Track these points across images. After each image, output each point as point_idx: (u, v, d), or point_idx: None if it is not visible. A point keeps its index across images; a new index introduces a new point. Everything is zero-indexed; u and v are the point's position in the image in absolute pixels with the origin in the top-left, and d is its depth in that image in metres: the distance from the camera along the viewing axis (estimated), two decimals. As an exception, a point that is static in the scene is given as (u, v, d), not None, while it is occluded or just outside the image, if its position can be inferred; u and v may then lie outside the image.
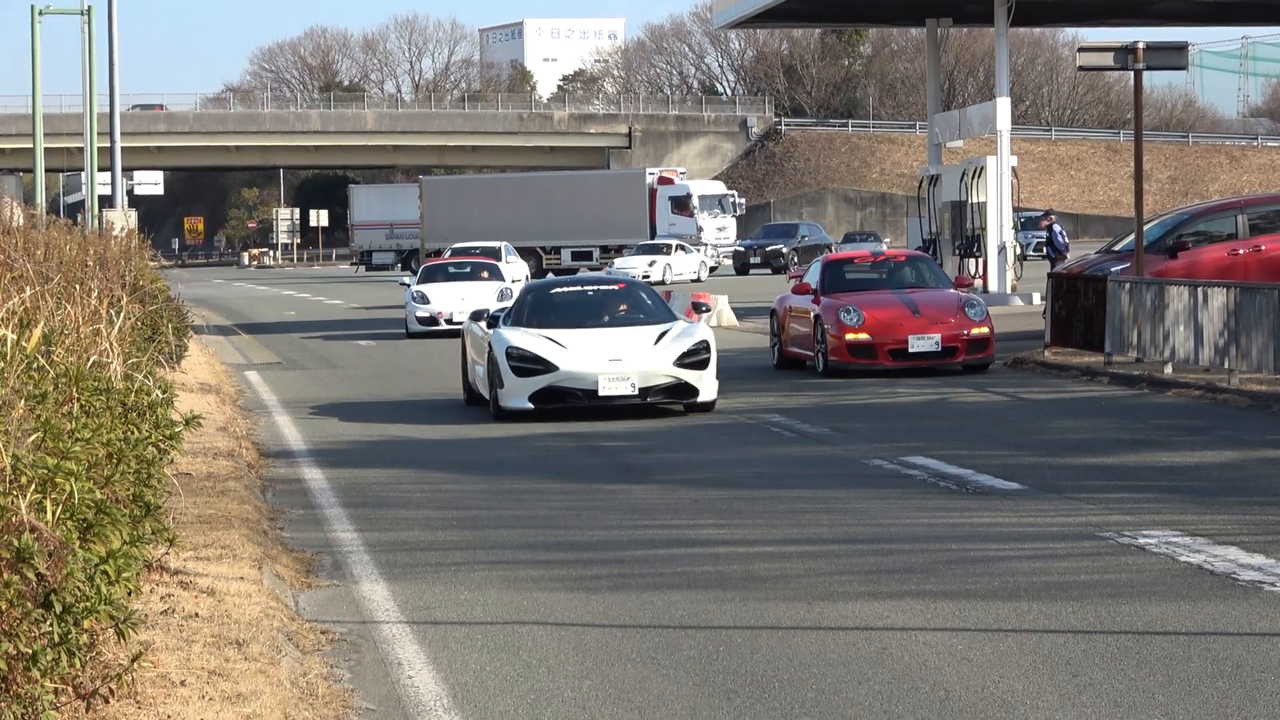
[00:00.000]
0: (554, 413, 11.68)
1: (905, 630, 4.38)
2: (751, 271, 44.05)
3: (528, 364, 11.67)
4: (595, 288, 14.50)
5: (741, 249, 44.58)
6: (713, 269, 43.47)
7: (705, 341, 12.10)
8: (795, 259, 34.85)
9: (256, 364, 19.84)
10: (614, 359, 11.72)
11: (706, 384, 11.93)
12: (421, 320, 23.21)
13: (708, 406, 11.96)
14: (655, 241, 40.95)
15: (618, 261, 36.61)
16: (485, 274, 25.23)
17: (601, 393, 11.58)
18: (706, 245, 44.20)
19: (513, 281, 24.73)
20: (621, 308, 13.11)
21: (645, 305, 13.10)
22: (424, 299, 23.41)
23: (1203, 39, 68.71)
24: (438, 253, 35.26)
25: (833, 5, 31.86)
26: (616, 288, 14.32)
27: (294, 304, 38.44)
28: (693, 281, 37.89)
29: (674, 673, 3.80)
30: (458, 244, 33.09)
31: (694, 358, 11.86)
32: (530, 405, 11.64)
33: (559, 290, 14.45)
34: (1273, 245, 16.56)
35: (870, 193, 69.98)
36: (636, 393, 11.60)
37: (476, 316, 13.60)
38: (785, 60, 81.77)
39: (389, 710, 3.45)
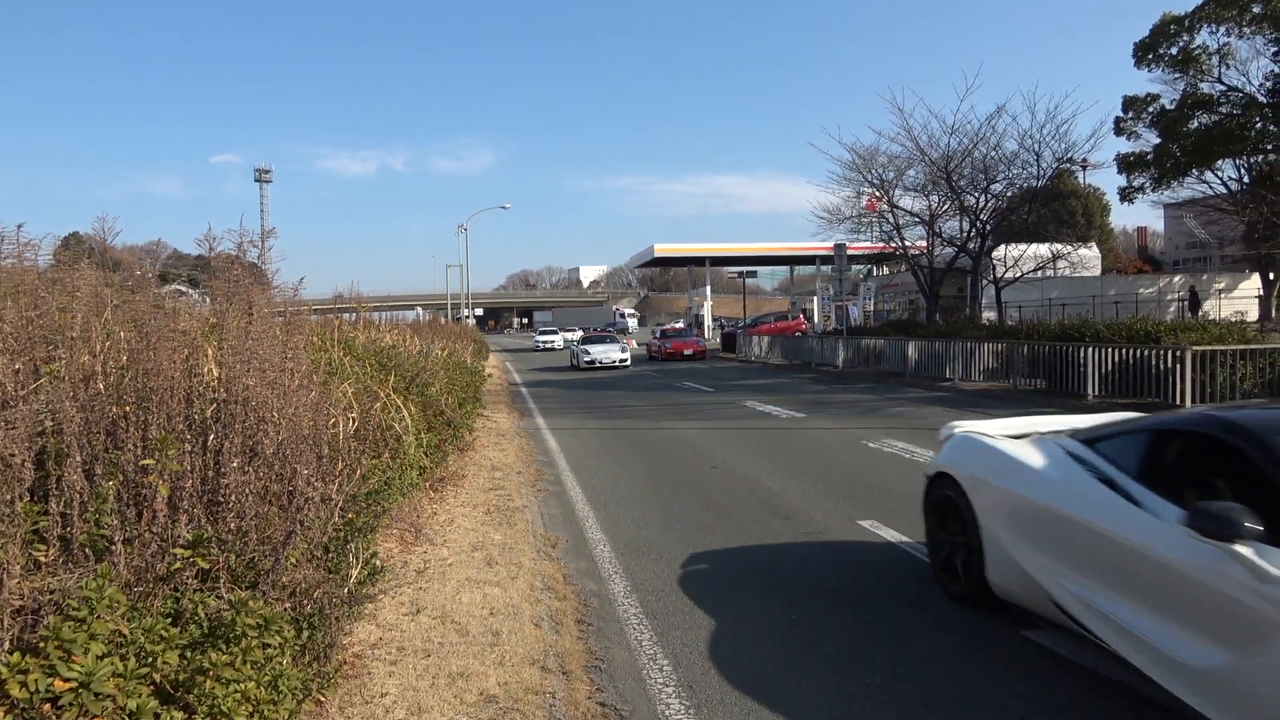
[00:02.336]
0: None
1: (686, 430, 14.15)
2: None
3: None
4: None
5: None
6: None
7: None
8: (658, 331, 53.82)
9: (507, 359, 40.11)
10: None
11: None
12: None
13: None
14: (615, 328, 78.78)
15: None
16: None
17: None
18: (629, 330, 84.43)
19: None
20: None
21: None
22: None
23: None
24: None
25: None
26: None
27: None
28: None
29: (623, 442, 13.48)
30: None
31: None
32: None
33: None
34: (782, 325, 47.02)
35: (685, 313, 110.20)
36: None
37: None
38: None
39: (545, 447, 13.12)
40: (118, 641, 2.82)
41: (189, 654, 3.03)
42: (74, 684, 2.56)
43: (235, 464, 3.72)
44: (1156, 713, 3.89)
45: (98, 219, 5.29)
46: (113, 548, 3.22)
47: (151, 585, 3.28)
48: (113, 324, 4.74)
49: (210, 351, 4.47)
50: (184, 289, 13.16)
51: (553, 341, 57.15)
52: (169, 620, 3.15)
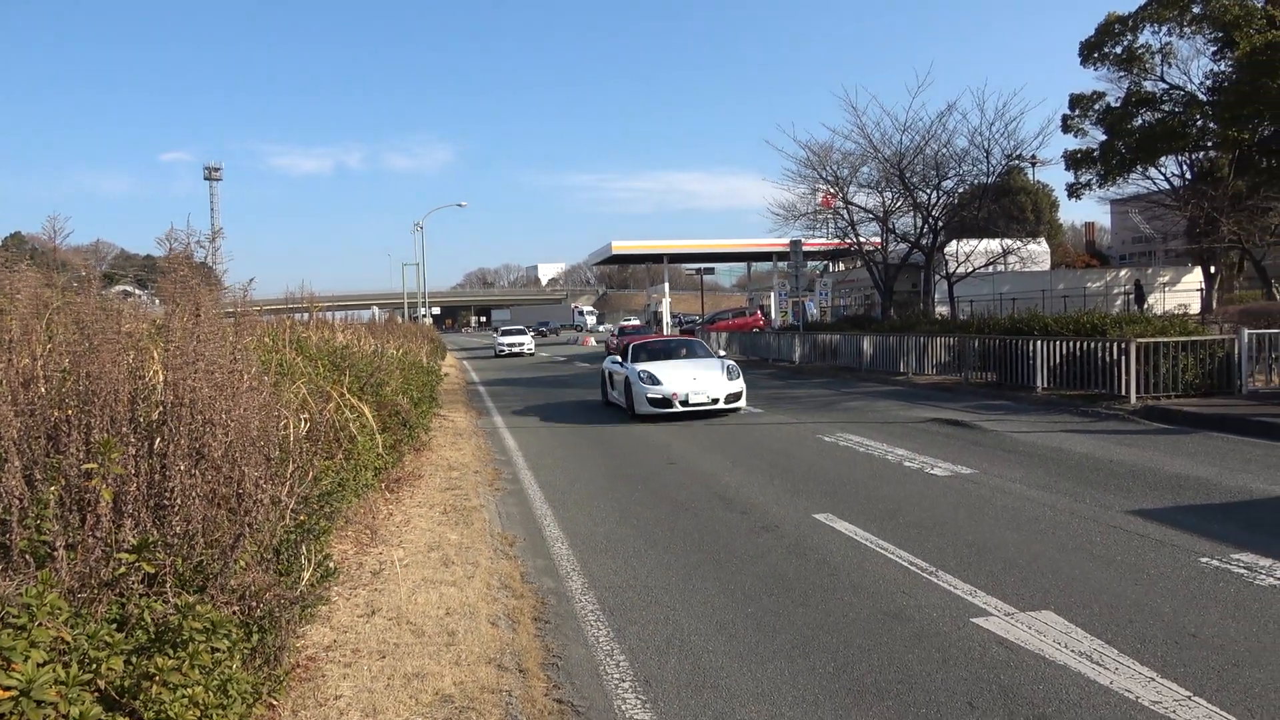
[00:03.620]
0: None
1: (643, 427, 14.16)
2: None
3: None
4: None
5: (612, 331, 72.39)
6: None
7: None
8: (617, 329, 54.81)
9: (463, 358, 38.00)
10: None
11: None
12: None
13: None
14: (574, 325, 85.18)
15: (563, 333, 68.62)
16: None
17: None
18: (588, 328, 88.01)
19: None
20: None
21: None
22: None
23: None
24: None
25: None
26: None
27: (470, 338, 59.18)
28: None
29: (581, 440, 13.47)
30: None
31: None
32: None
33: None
34: (740, 321, 48.22)
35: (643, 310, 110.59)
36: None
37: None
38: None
39: (503, 446, 13.07)
40: (60, 649, 2.77)
41: (135, 659, 2.99)
42: (14, 692, 2.51)
43: (182, 467, 3.67)
44: (1097, 692, 4.01)
45: (49, 219, 5.18)
46: (55, 554, 3.16)
47: (96, 591, 3.23)
48: (55, 326, 4.65)
49: (157, 354, 4.40)
50: (131, 290, 12.89)
51: (522, 344, 42.90)
52: (114, 626, 3.10)
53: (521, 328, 50.44)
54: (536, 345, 49.94)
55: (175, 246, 4.78)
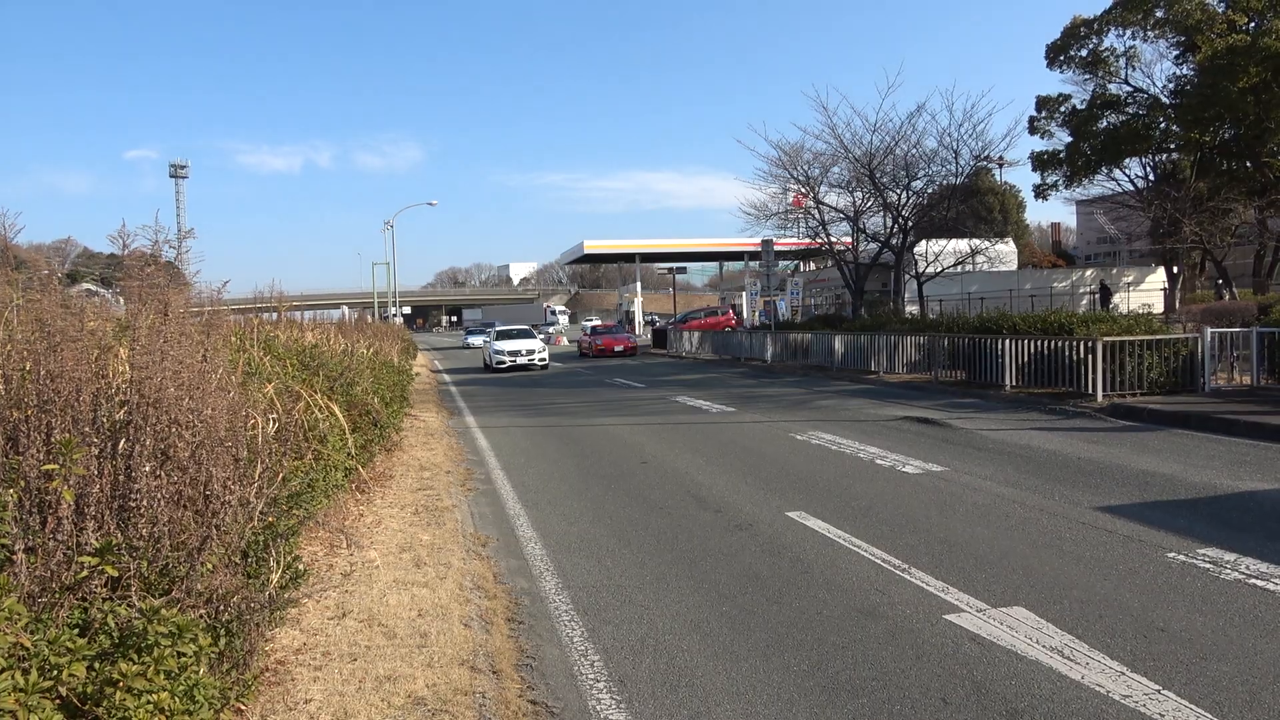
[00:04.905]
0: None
1: (616, 426, 14.16)
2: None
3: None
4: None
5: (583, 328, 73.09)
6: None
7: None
8: (589, 328, 53.90)
9: (435, 357, 36.04)
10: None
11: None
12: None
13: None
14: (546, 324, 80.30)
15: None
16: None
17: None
18: (558, 326, 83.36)
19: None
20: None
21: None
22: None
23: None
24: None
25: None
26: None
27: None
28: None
29: (554, 439, 13.45)
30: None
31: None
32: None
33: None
34: (712, 320, 46.56)
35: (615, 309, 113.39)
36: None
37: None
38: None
39: (475, 445, 13.01)
40: (19, 655, 2.70)
41: (98, 665, 2.92)
42: (-29, 701, 2.44)
43: (147, 468, 3.59)
44: (1069, 687, 4.04)
45: (-3, 215, 5.03)
46: (14, 557, 3.08)
47: (57, 595, 3.15)
48: (14, 325, 4.53)
49: (123, 353, 4.30)
50: (95, 288, 12.64)
51: (531, 352, 30.36)
52: (76, 631, 3.02)
53: (526, 328, 36.75)
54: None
55: (129, 244, 4.68)
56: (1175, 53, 32.39)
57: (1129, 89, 33.85)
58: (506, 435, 13.75)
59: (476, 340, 46.02)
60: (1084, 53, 34.05)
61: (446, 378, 27.98)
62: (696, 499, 8.51)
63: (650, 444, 12.23)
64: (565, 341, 59.13)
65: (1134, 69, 33.64)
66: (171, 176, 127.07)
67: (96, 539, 3.30)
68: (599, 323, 64.94)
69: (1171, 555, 5.99)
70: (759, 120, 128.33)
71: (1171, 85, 32.68)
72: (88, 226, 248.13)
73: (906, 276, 30.83)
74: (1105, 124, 34.21)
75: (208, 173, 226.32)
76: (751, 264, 50.07)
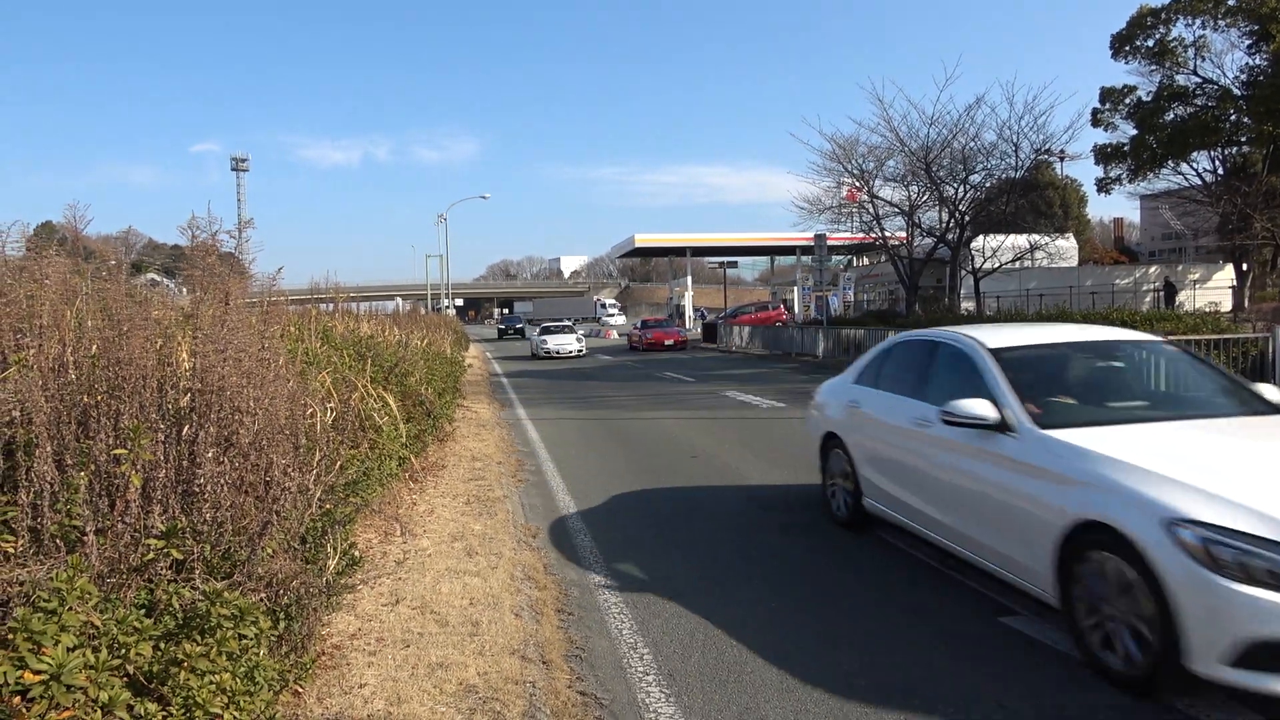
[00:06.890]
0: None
1: (666, 420, 14.14)
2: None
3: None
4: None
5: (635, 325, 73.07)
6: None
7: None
8: (639, 322, 54.57)
9: (486, 348, 40.58)
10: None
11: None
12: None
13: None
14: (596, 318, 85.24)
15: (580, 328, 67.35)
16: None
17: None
18: (611, 321, 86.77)
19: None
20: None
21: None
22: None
23: None
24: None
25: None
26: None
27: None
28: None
29: (603, 433, 13.47)
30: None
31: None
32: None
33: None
34: (763, 315, 49.10)
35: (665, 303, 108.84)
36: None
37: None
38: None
39: (525, 437, 13.05)
40: (89, 633, 2.78)
41: (163, 645, 3.00)
42: (44, 676, 2.52)
43: (210, 454, 3.67)
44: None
45: (69, 206, 5.19)
46: (84, 539, 3.17)
47: (125, 576, 3.24)
48: (84, 313, 4.67)
49: (185, 341, 4.41)
50: (159, 278, 12.99)
51: (569, 346, 34.55)
52: (143, 611, 3.11)
53: (568, 323, 42.83)
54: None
55: (198, 235, 4.79)
56: (1247, 42, 31.30)
57: (1197, 80, 32.82)
58: (557, 427, 13.83)
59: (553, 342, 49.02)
60: (1150, 43, 33.09)
61: (498, 369, 28.19)
62: (748, 496, 8.47)
63: (700, 438, 12.20)
64: (615, 335, 59.32)
65: (1203, 59, 32.61)
66: (233, 170, 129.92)
67: (162, 522, 3.39)
68: (650, 316, 65.18)
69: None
70: (813, 113, 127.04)
71: (1243, 76, 31.61)
72: (152, 218, 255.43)
73: (963, 272, 30.30)
74: (1172, 116, 33.23)
75: (270, 166, 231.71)
76: (804, 259, 49.65)
